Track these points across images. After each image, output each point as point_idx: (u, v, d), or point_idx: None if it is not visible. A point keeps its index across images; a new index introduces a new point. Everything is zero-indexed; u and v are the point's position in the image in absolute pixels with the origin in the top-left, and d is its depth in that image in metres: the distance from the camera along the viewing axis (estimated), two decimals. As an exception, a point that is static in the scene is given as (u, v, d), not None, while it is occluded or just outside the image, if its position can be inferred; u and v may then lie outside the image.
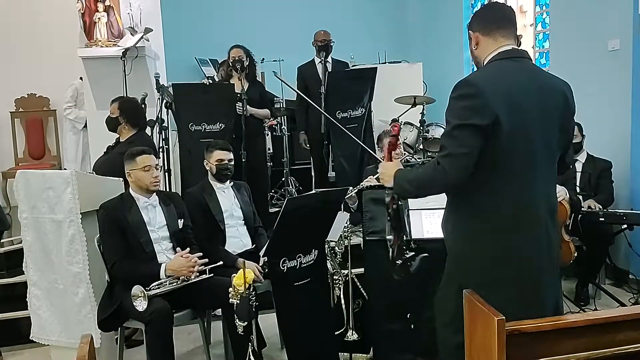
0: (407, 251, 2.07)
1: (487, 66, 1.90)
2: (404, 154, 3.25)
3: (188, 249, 2.87)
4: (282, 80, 3.21)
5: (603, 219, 3.70)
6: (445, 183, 1.81)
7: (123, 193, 2.99)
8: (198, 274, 2.82)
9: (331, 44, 4.80)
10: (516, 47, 1.91)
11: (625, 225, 3.78)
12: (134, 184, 2.96)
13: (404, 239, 2.09)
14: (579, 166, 4.13)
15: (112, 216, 2.85)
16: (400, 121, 5.34)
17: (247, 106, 4.30)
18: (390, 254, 2.07)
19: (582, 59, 4.60)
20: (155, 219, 2.96)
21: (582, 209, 3.82)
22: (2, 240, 3.89)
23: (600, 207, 3.85)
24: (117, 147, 3.66)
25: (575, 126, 4.02)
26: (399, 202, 2.04)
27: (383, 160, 2.06)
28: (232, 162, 3.38)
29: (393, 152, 2.04)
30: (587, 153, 4.13)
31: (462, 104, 1.77)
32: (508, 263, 1.84)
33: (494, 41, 1.90)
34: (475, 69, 2.05)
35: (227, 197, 3.36)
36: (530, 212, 1.85)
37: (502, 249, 1.83)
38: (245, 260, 2.57)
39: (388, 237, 2.13)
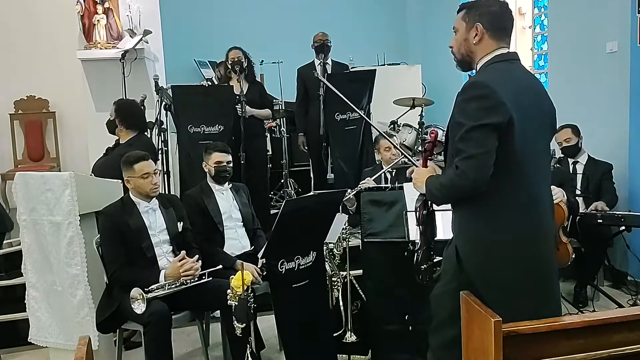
0: (435, 256, 2.06)
1: (488, 69, 1.90)
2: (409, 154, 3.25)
3: (184, 252, 2.84)
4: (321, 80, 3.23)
5: (601, 221, 3.71)
6: (468, 186, 1.77)
7: (123, 197, 2.98)
8: (196, 278, 2.81)
9: (328, 44, 4.80)
10: (510, 51, 1.93)
11: (623, 227, 3.78)
12: (134, 190, 2.94)
13: (432, 244, 2.07)
14: (580, 168, 4.13)
15: (114, 222, 2.83)
16: (397, 122, 5.35)
17: (248, 107, 4.31)
18: (415, 257, 2.06)
19: (581, 61, 4.61)
20: (155, 223, 2.95)
21: (592, 211, 3.85)
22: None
23: (607, 209, 3.87)
24: (116, 149, 3.66)
25: (570, 129, 4.08)
26: (431, 207, 2.03)
27: (419, 165, 2.04)
28: (231, 164, 3.38)
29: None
30: (588, 155, 4.14)
31: (476, 105, 1.76)
32: (519, 264, 1.83)
33: (496, 44, 1.90)
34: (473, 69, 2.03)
35: (225, 199, 3.36)
36: (537, 212, 1.87)
37: (511, 250, 1.83)
38: (244, 262, 2.58)
39: (415, 241, 2.12)
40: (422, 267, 2.04)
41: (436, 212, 2.07)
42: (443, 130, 5.06)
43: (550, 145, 2.07)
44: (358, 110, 3.49)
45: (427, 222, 2.04)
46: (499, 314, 1.49)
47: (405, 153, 2.51)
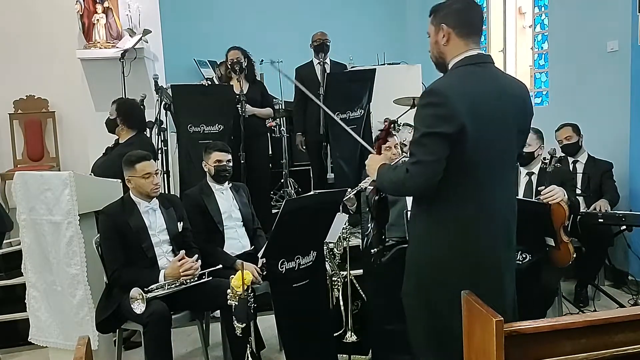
0: (386, 240, 2.09)
1: (452, 73, 1.90)
2: (403, 154, 3.22)
3: (183, 251, 2.84)
4: (286, 76, 3.16)
5: (602, 221, 3.71)
6: (414, 188, 1.85)
7: (124, 197, 2.98)
8: (196, 278, 2.81)
9: (327, 44, 4.80)
10: (482, 53, 1.92)
11: (624, 227, 3.78)
12: (134, 190, 2.94)
13: (384, 228, 2.10)
14: (580, 167, 4.14)
15: (114, 222, 2.83)
16: (397, 122, 5.35)
17: (249, 107, 4.30)
18: (366, 241, 2.09)
19: (581, 60, 4.61)
20: (155, 223, 2.95)
21: (594, 210, 3.86)
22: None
23: (609, 207, 3.87)
24: (116, 148, 3.65)
25: (570, 127, 4.09)
26: (383, 194, 2.06)
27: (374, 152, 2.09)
28: (231, 164, 3.38)
29: (384, 147, 2.07)
30: (588, 154, 4.14)
31: (430, 112, 1.80)
32: (467, 257, 1.86)
33: (465, 44, 1.89)
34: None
35: (225, 199, 3.36)
36: (490, 215, 1.88)
37: (453, 256, 1.86)
38: (244, 262, 2.57)
39: (368, 226, 2.16)
40: (373, 250, 2.07)
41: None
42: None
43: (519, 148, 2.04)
44: (355, 113, 3.46)
45: (380, 208, 2.07)
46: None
47: (360, 139, 2.52)
